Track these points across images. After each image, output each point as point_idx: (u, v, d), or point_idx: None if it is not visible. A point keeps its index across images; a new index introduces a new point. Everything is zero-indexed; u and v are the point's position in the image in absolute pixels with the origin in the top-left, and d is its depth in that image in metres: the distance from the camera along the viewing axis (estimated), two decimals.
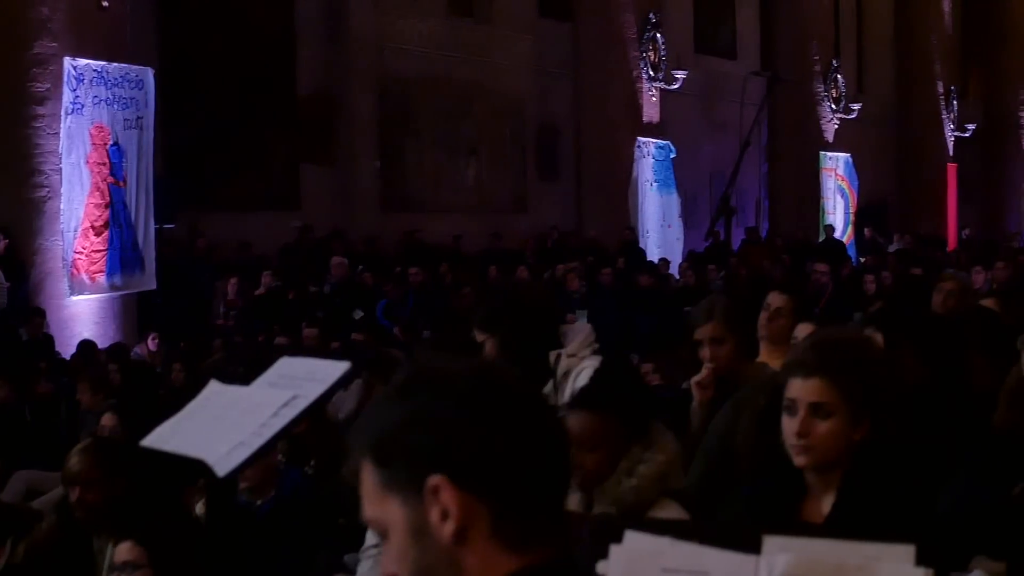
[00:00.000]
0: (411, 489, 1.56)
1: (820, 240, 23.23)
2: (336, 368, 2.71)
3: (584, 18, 20.06)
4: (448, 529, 1.55)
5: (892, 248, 21.77)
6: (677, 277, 16.77)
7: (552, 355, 4.50)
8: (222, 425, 2.70)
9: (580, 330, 4.56)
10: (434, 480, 1.54)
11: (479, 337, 4.50)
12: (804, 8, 23.92)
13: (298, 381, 2.70)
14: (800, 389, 2.92)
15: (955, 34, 29.00)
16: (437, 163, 18.96)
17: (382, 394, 1.67)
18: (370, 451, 1.60)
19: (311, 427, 6.38)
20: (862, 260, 21.11)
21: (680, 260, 18.67)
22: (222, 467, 2.58)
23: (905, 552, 2.22)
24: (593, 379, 4.08)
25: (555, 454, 1.65)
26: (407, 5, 18.23)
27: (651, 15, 20.18)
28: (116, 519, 4.64)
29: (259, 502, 5.08)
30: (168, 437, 2.82)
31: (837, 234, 23.63)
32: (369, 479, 1.60)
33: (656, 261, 17.90)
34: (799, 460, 2.94)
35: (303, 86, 17.48)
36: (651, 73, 20.12)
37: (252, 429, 2.62)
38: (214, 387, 2.90)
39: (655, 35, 20.18)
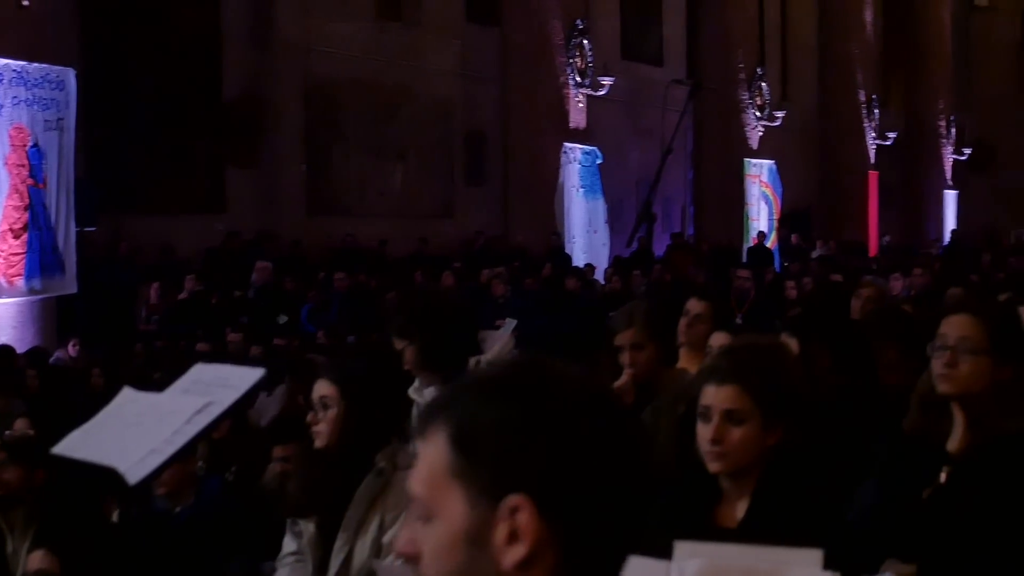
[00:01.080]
0: (487, 493, 1.42)
1: (749, 246, 23.47)
2: (250, 375, 2.70)
3: (511, 24, 20.08)
4: (515, 554, 1.41)
5: (815, 254, 22.04)
6: (602, 282, 16.85)
7: (472, 361, 4.51)
8: (134, 432, 2.67)
9: (500, 336, 4.57)
10: (516, 499, 1.41)
11: (398, 344, 4.50)
12: (729, 17, 24.13)
13: (212, 388, 2.68)
14: (714, 396, 2.96)
15: (876, 44, 29.39)
16: (364, 167, 18.90)
17: (482, 378, 1.54)
18: (454, 431, 1.44)
19: (232, 433, 6.34)
20: (786, 266, 21.34)
21: (606, 265, 18.76)
22: (133, 475, 2.56)
23: (813, 556, 2.25)
24: None
25: (645, 495, 1.55)
26: (335, 8, 18.15)
27: (578, 21, 20.26)
28: (30, 509, 4.60)
29: (177, 509, 5.03)
30: (79, 444, 2.79)
31: None
32: (437, 456, 1.45)
33: (582, 266, 17.98)
34: (713, 466, 2.97)
35: (229, 89, 17.35)
36: (578, 79, 20.20)
37: (165, 436, 2.60)
38: (127, 394, 2.87)
39: (582, 41, 20.27)
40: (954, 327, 3.39)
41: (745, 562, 2.27)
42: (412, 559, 1.47)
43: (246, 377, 2.68)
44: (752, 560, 2.29)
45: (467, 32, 20.44)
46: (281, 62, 17.51)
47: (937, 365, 3.39)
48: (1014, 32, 33.68)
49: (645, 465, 1.54)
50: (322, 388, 3.51)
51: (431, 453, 1.46)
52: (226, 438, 6.17)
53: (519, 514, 1.41)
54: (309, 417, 3.54)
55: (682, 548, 2.31)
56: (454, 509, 1.43)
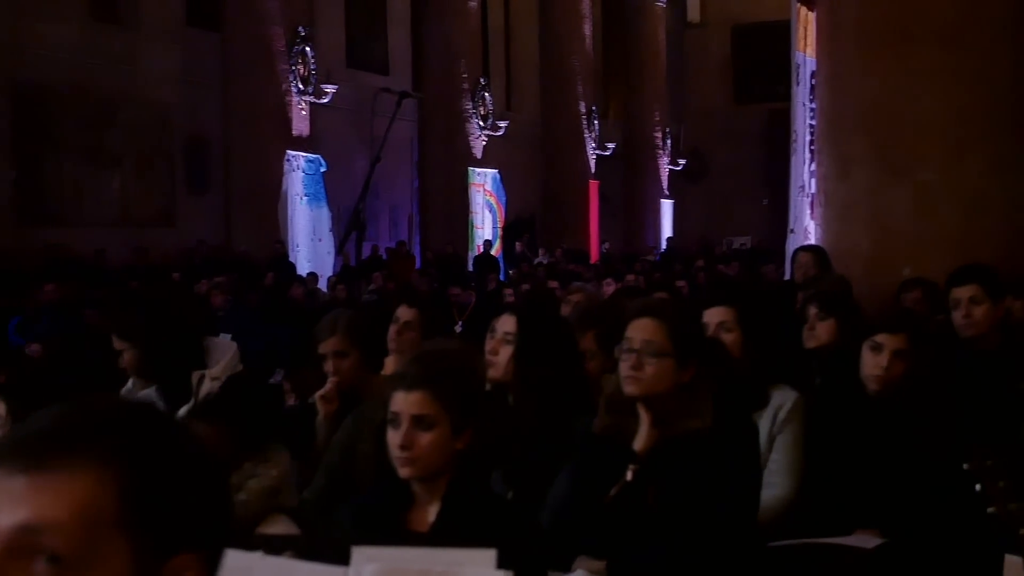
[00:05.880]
0: (157, 551, 1.31)
1: (475, 254, 23.80)
2: None
3: (232, 29, 19.73)
4: None
5: (537, 261, 22.51)
6: (325, 291, 16.76)
7: (195, 376, 4.43)
8: None
9: (226, 349, 4.50)
10: (186, 559, 1.33)
11: (118, 345, 4.37)
12: (453, 27, 24.39)
13: None
14: (403, 402, 3.00)
15: (596, 58, 30.27)
16: (78, 174, 18.21)
17: (148, 417, 1.38)
18: (130, 479, 1.30)
19: None
20: (511, 273, 21.72)
21: (330, 274, 18.68)
22: None
23: (487, 556, 2.31)
24: (216, 393, 4.05)
25: None
26: (45, 8, 17.42)
27: (301, 29, 20.10)
28: None
29: None
30: None
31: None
32: (95, 496, 1.27)
33: (305, 275, 17.84)
34: (403, 472, 3.01)
35: None
36: (301, 86, 20.05)
37: None
38: None
39: (305, 48, 20.12)
40: (639, 331, 3.54)
41: (421, 564, 2.32)
42: None
43: None
44: (428, 562, 2.34)
45: (187, 36, 19.99)
46: None
47: (624, 367, 3.52)
48: (724, 47, 35.25)
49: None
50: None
51: (82, 487, 1.27)
52: None
53: (187, 573, 1.34)
54: None
55: (359, 553, 2.35)
56: (114, 562, 1.28)
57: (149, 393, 4.65)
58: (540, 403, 4.01)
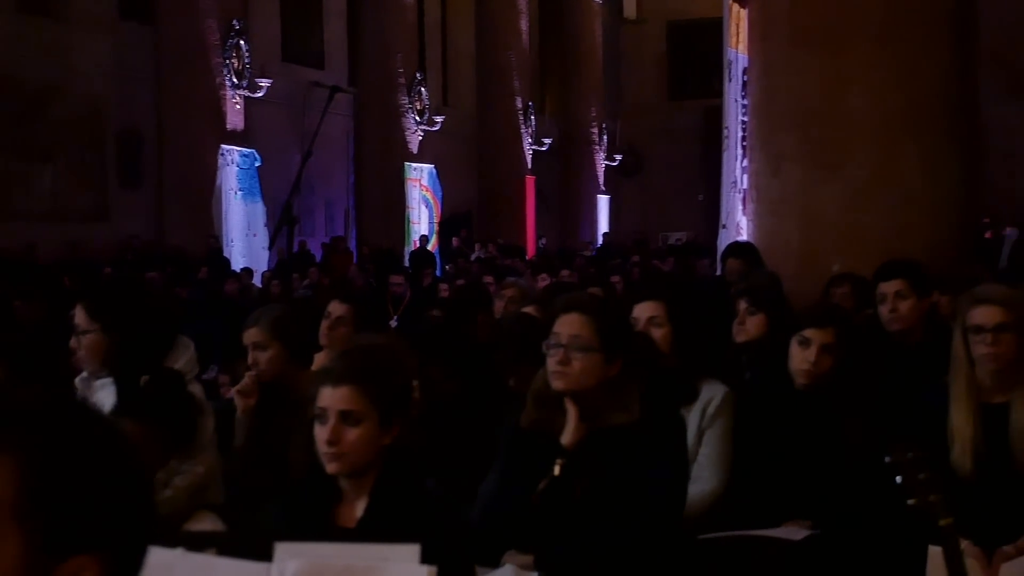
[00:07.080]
0: (53, 547, 1.27)
1: (411, 249, 23.72)
2: None
3: (166, 22, 19.54)
4: None
5: (473, 257, 22.48)
6: (259, 286, 16.64)
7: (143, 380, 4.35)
8: None
9: (184, 349, 4.39)
10: (85, 560, 1.28)
11: (86, 325, 4.25)
12: (389, 21, 24.29)
13: None
14: (330, 397, 2.99)
15: (532, 53, 30.29)
16: (7, 169, 17.93)
17: (64, 411, 1.34)
18: (31, 470, 1.27)
19: None
20: (447, 268, 21.67)
21: (265, 269, 18.55)
22: None
23: (411, 551, 2.31)
24: (143, 389, 3.99)
25: None
26: None
27: (235, 22, 19.94)
28: None
29: None
30: None
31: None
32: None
33: (240, 270, 17.70)
34: (331, 467, 3.00)
35: None
36: (235, 80, 19.88)
37: None
38: None
39: (239, 42, 19.96)
40: (566, 326, 3.55)
41: (344, 560, 2.31)
42: None
43: None
44: (351, 558, 2.33)
45: (120, 29, 19.73)
46: None
47: (551, 362, 3.53)
48: (660, 44, 35.39)
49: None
50: None
51: None
52: None
53: (83, 574, 1.29)
54: None
55: (282, 549, 2.33)
56: (6, 554, 1.26)
57: (104, 384, 4.49)
58: (456, 412, 4.02)
